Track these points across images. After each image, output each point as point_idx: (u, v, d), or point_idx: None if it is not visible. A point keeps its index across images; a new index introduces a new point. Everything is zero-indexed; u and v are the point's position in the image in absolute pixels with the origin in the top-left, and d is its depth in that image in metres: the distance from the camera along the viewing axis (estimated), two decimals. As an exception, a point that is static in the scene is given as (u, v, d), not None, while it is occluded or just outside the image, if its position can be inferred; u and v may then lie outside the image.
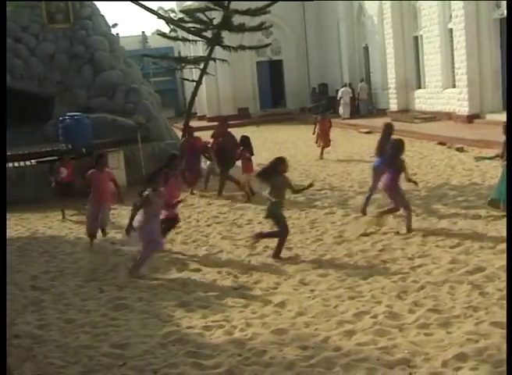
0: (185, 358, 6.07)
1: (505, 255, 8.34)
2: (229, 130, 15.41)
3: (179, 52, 42.59)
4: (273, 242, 9.50)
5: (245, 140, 14.06)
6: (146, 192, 8.79)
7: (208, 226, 11.80)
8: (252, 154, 14.08)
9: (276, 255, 9.27)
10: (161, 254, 9.89)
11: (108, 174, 10.95)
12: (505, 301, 6.78)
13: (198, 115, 39.00)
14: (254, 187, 13.73)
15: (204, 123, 34.32)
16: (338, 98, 32.10)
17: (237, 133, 16.21)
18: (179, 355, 6.16)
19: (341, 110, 31.36)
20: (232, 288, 8.13)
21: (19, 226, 11.58)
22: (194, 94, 19.56)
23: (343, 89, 32.07)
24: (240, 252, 9.77)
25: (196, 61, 20.77)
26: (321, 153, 19.15)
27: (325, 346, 6.13)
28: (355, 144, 22.10)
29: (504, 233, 9.31)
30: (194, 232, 11.37)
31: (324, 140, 19.14)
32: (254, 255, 9.51)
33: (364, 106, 32.32)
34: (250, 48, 20.70)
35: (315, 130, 19.46)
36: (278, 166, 9.35)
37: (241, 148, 14.00)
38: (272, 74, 38.81)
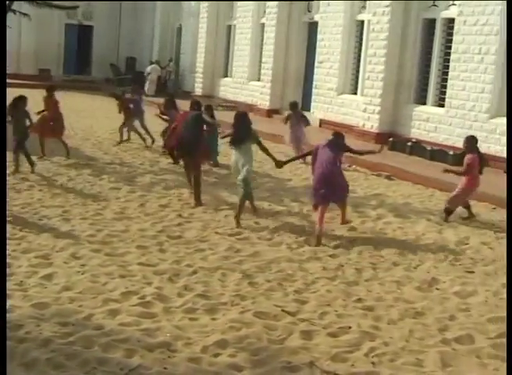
0: None
1: (278, 248, 8.63)
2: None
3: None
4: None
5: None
6: None
7: None
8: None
9: None
10: None
11: None
12: (272, 292, 6.99)
13: (-5, 70, 36.58)
14: None
15: None
16: (145, 74, 31.67)
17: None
18: None
19: (146, 87, 30.96)
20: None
21: None
22: (-12, 45, 18.20)
23: (152, 66, 31.70)
24: (12, 219, 9.17)
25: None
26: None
27: (86, 324, 5.91)
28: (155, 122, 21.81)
29: (278, 227, 9.63)
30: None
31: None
32: (28, 223, 8.99)
33: (171, 87, 32.18)
34: (57, 6, 19.65)
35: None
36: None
37: None
38: (80, 39, 37.35)
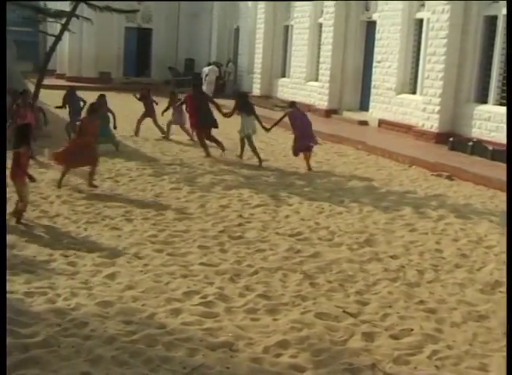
0: (0, 325, 5.72)
1: (339, 249, 8.62)
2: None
3: (45, 4, 40.59)
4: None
5: None
6: None
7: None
8: None
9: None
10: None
11: None
12: (333, 293, 6.98)
13: (57, 73, 37.37)
14: None
15: (63, 82, 33.03)
16: (203, 76, 31.92)
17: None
18: (-6, 321, 5.80)
19: (204, 88, 31.19)
20: (62, 255, 7.78)
21: None
22: (52, 49, 18.68)
23: (210, 67, 31.90)
24: (77, 218, 9.41)
25: (57, 14, 19.79)
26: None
27: (149, 322, 6.00)
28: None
29: (344, 228, 9.60)
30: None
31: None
32: (91, 223, 9.19)
33: (230, 87, 32.40)
34: (117, 10, 19.93)
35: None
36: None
37: None
38: (139, 42, 37.89)
